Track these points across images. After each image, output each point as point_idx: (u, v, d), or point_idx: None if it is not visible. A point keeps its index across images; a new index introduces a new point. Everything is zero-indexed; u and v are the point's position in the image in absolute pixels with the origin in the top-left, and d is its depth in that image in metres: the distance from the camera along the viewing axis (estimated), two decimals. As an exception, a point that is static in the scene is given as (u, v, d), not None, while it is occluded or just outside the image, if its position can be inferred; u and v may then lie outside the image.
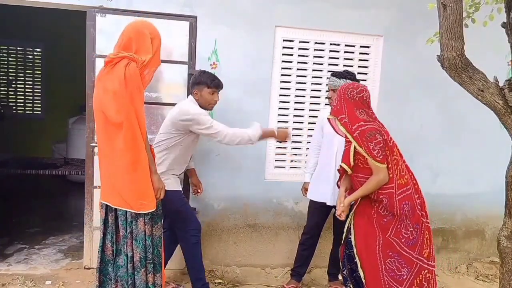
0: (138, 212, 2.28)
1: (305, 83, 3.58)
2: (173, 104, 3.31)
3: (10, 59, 7.07)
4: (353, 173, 2.43)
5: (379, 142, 2.30)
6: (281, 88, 3.55)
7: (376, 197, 2.37)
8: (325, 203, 3.09)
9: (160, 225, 2.46)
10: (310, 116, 3.62)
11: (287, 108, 3.59)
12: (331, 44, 3.57)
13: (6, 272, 3.27)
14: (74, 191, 5.46)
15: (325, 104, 3.54)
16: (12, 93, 7.14)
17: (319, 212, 3.17)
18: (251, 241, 3.61)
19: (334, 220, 3.24)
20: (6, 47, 7.03)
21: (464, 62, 2.02)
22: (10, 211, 4.69)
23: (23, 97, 7.19)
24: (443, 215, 3.80)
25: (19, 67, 7.10)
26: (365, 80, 3.63)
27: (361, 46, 3.63)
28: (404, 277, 2.34)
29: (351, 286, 2.58)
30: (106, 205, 2.36)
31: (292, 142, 3.64)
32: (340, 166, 2.46)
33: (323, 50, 3.58)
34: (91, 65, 3.20)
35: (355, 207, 2.49)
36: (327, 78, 3.16)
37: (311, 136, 3.39)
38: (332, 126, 2.55)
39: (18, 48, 7.04)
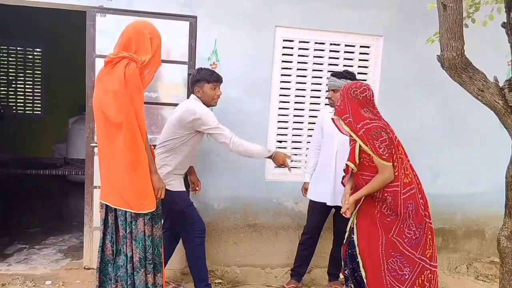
0: (138, 212, 2.28)
1: (305, 83, 3.58)
2: (173, 104, 3.32)
3: (10, 59, 7.07)
4: (358, 172, 2.42)
5: (384, 140, 2.30)
6: (281, 88, 3.55)
7: (380, 196, 2.36)
8: (325, 203, 3.09)
9: (160, 225, 2.46)
10: (310, 116, 3.62)
11: (287, 108, 3.59)
12: (331, 44, 3.57)
13: (6, 272, 3.27)
14: (74, 191, 5.46)
15: (325, 104, 3.54)
16: (12, 93, 7.14)
17: (319, 212, 3.17)
18: (251, 241, 3.61)
19: (334, 220, 3.26)
20: (6, 47, 7.03)
21: (464, 62, 2.02)
22: (10, 211, 4.69)
23: (23, 97, 7.19)
24: (443, 215, 3.80)
25: (19, 67, 7.10)
26: (365, 80, 3.62)
27: (361, 46, 3.63)
28: (406, 277, 2.34)
29: (352, 285, 2.58)
30: (106, 205, 2.36)
31: (292, 142, 3.65)
32: (346, 164, 2.45)
33: (323, 50, 3.58)
34: (91, 65, 3.20)
35: (358, 206, 2.49)
36: (327, 78, 3.16)
37: (311, 136, 3.38)
38: (337, 126, 2.54)
39: (18, 48, 7.04)
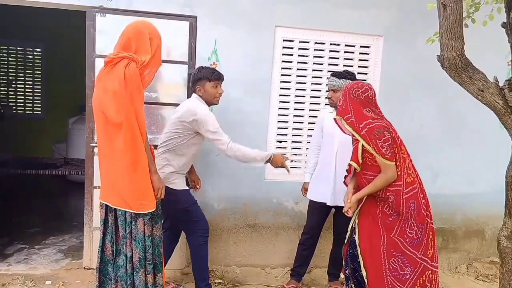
0: (138, 212, 2.28)
1: (305, 83, 3.58)
2: (173, 104, 3.32)
3: (10, 59, 7.08)
4: (361, 171, 2.42)
5: (387, 139, 2.30)
6: (281, 88, 3.55)
7: (383, 195, 2.36)
8: (325, 203, 3.09)
9: (160, 225, 2.46)
10: (310, 116, 3.62)
11: (287, 108, 3.59)
12: (331, 44, 3.57)
13: (6, 272, 3.26)
14: (74, 191, 5.46)
15: (325, 104, 3.54)
16: (12, 93, 7.14)
17: (319, 212, 3.17)
18: (251, 241, 3.61)
19: (334, 220, 3.26)
20: (6, 47, 7.03)
21: (464, 62, 2.02)
22: (10, 211, 4.69)
23: (23, 97, 7.19)
24: (443, 215, 3.80)
25: (19, 67, 7.10)
26: (365, 80, 3.62)
27: (361, 46, 3.63)
28: (407, 277, 2.34)
29: (353, 285, 2.58)
30: (106, 205, 2.36)
31: (292, 142, 3.65)
32: (349, 164, 2.45)
33: (323, 50, 3.58)
34: (90, 65, 3.19)
35: (359, 206, 2.48)
36: (327, 78, 3.16)
37: (311, 136, 3.38)
38: (339, 126, 2.54)
39: (18, 48, 7.04)
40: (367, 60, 3.66)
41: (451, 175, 3.79)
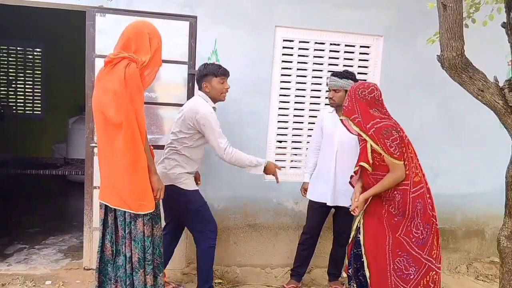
0: (137, 212, 2.28)
1: (305, 83, 3.58)
2: (173, 104, 3.33)
3: (10, 59, 7.08)
4: (368, 171, 2.41)
5: (395, 138, 2.29)
6: (281, 88, 3.55)
7: (389, 194, 2.36)
8: (325, 203, 3.09)
9: (160, 225, 2.45)
10: (310, 116, 3.62)
11: (287, 108, 3.59)
12: (331, 44, 3.57)
13: (6, 272, 3.27)
14: (74, 191, 5.46)
15: (325, 104, 3.54)
16: (12, 93, 7.14)
17: (319, 212, 3.17)
18: (251, 241, 3.61)
19: (334, 220, 3.26)
20: (6, 47, 7.03)
21: (464, 62, 2.02)
22: (10, 211, 4.69)
23: (23, 97, 7.19)
24: (443, 215, 3.78)
25: (19, 67, 7.10)
26: (365, 80, 3.62)
27: (361, 46, 3.63)
28: (411, 277, 2.34)
29: (355, 285, 2.58)
30: (105, 205, 2.36)
31: (292, 142, 3.65)
32: (360, 165, 2.42)
33: (323, 50, 3.58)
34: (90, 65, 3.19)
35: (365, 206, 2.48)
36: (327, 78, 3.15)
37: (311, 136, 3.38)
38: (345, 127, 2.54)
39: (18, 48, 7.04)
40: (367, 60, 3.66)
41: (451, 175, 3.79)
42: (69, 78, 6.21)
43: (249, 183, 3.51)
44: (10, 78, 7.08)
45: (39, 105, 7.23)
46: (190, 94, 3.32)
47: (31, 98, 7.20)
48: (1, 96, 7.11)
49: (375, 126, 2.32)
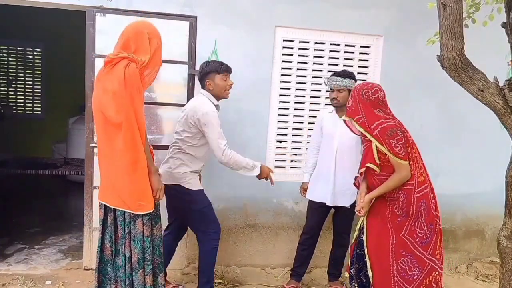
0: (137, 213, 2.27)
1: (305, 83, 3.58)
2: (173, 104, 3.33)
3: (10, 59, 7.08)
4: (374, 172, 2.40)
5: (400, 139, 2.29)
6: (281, 88, 3.55)
7: (394, 194, 2.36)
8: (325, 203, 3.09)
9: (160, 225, 2.45)
10: (310, 116, 3.62)
11: (287, 108, 3.59)
12: (331, 44, 3.57)
13: (6, 272, 3.27)
14: (74, 191, 5.46)
15: (325, 104, 3.54)
16: (12, 93, 7.15)
17: (319, 212, 3.17)
18: (251, 241, 3.61)
19: (334, 220, 3.26)
20: (6, 47, 7.04)
21: (464, 62, 2.02)
22: (10, 211, 4.69)
23: (23, 97, 7.20)
24: (443, 215, 3.70)
25: (19, 67, 7.10)
26: (365, 80, 3.62)
27: (361, 46, 3.63)
28: (415, 277, 2.34)
29: (356, 285, 2.58)
30: (105, 205, 2.36)
31: (292, 142, 3.65)
32: (366, 166, 2.40)
33: (323, 50, 3.57)
34: (90, 65, 3.19)
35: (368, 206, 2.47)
36: (327, 78, 3.13)
37: (311, 136, 3.38)
38: (349, 127, 2.53)
39: (18, 48, 7.05)
40: (367, 60, 3.66)
41: (451, 175, 3.78)
42: (69, 78, 6.21)
43: (249, 183, 3.49)
44: (10, 78, 7.09)
45: (39, 105, 7.23)
46: (190, 94, 3.32)
47: (31, 98, 7.21)
48: (1, 96, 7.11)
49: (380, 127, 2.32)
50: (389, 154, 2.29)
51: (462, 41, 1.99)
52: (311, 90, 3.60)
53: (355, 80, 3.04)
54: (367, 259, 2.41)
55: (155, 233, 2.39)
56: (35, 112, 7.25)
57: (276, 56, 3.49)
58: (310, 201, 3.22)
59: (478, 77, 2.04)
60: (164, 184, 2.47)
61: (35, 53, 7.16)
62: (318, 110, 3.57)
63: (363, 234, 2.48)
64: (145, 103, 2.45)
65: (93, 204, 3.30)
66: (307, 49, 3.55)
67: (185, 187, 2.70)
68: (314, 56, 3.56)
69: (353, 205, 3.09)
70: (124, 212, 2.29)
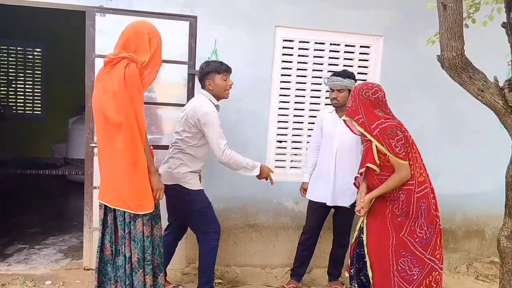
0: (136, 213, 2.27)
1: (305, 83, 3.58)
2: (173, 104, 3.33)
3: (10, 59, 7.08)
4: (374, 172, 2.40)
5: (400, 138, 2.29)
6: (281, 88, 3.55)
7: (394, 194, 2.36)
8: (325, 203, 3.09)
9: (160, 225, 2.45)
10: (310, 116, 3.62)
11: (287, 108, 3.59)
12: (331, 44, 3.57)
13: (6, 272, 3.27)
14: (74, 191, 5.46)
15: (325, 104, 3.54)
16: (12, 93, 7.15)
17: (319, 212, 3.17)
18: (251, 241, 3.61)
19: (334, 220, 3.26)
20: (6, 47, 7.03)
21: (464, 62, 2.02)
22: (10, 211, 4.69)
23: (23, 97, 7.20)
24: (443, 215, 3.70)
25: (19, 67, 7.10)
26: (365, 80, 3.62)
27: (361, 46, 3.63)
28: (415, 277, 2.34)
29: (356, 285, 2.58)
30: (105, 205, 2.36)
31: (292, 142, 3.65)
32: (366, 166, 2.40)
33: (323, 50, 3.57)
34: (90, 65, 3.19)
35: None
36: (327, 78, 3.13)
37: (311, 136, 3.38)
38: (349, 127, 2.53)
39: (18, 48, 7.04)
40: (367, 60, 3.66)
41: (451, 175, 3.78)
42: (69, 78, 6.21)
43: (249, 183, 3.49)
44: (10, 78, 7.09)
45: (39, 105, 7.23)
46: (190, 94, 3.32)
47: (31, 98, 7.21)
48: (1, 96, 7.11)
49: (380, 127, 2.32)
50: (389, 154, 2.29)
51: (462, 41, 1.99)
52: (311, 90, 3.60)
53: (355, 80, 3.03)
54: (367, 259, 2.41)
55: (155, 233, 2.39)
56: (35, 112, 7.25)
57: (276, 56, 3.49)
58: (310, 201, 3.22)
59: (478, 77, 2.04)
60: (164, 184, 2.47)
61: (35, 53, 7.16)
62: (318, 110, 3.57)
63: (363, 234, 2.48)
64: (145, 103, 2.45)
65: (93, 204, 3.30)
66: (307, 49, 3.55)
67: (185, 187, 2.70)
68: (314, 56, 3.56)
69: (353, 205, 3.09)
70: (124, 212, 2.29)
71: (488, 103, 2.05)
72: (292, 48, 3.52)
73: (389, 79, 3.61)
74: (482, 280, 3.74)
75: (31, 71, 7.13)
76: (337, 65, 3.58)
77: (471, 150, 3.79)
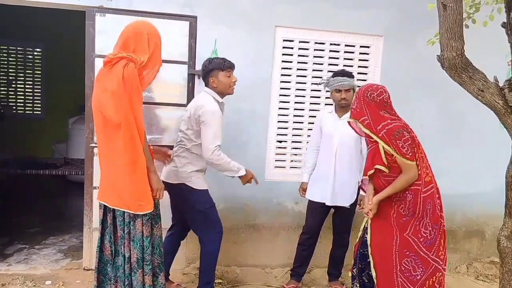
0: (136, 213, 2.27)
1: (305, 83, 3.58)
2: (173, 104, 3.33)
3: (10, 59, 7.07)
4: (380, 173, 2.39)
5: (407, 139, 2.29)
6: (281, 88, 3.55)
7: (401, 195, 2.35)
8: (324, 203, 3.09)
9: (160, 225, 2.45)
10: (310, 116, 3.62)
11: (287, 108, 3.59)
12: (331, 44, 3.57)
13: (6, 272, 3.27)
14: (74, 191, 5.45)
15: (325, 104, 3.54)
16: (12, 93, 7.14)
17: (318, 212, 3.17)
18: (251, 241, 3.61)
19: (334, 220, 3.25)
20: (6, 47, 7.03)
21: (464, 62, 2.02)
22: (10, 211, 4.69)
23: (23, 97, 7.19)
24: None
25: (19, 67, 7.10)
26: (365, 80, 3.62)
27: (361, 46, 3.63)
28: (418, 278, 2.34)
29: (358, 285, 2.58)
30: (104, 205, 2.36)
31: (292, 142, 3.65)
32: (375, 168, 2.39)
33: (323, 50, 3.57)
34: (90, 65, 3.19)
35: None
36: (326, 80, 3.12)
37: (311, 136, 3.38)
38: (353, 129, 2.53)
39: (18, 48, 7.04)
40: (367, 60, 3.66)
41: (451, 175, 3.77)
42: (69, 78, 6.20)
43: (249, 183, 3.51)
44: (10, 78, 7.08)
45: (39, 105, 7.23)
46: (190, 94, 3.32)
47: (31, 98, 7.20)
48: (1, 96, 7.11)
49: (386, 128, 2.32)
50: (396, 155, 2.29)
51: (462, 41, 1.99)
52: (311, 90, 3.60)
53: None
54: (370, 259, 2.41)
55: (155, 233, 2.39)
56: (35, 112, 7.24)
57: (276, 56, 3.49)
58: (309, 201, 3.21)
59: (478, 77, 2.04)
60: (169, 183, 2.46)
61: (35, 53, 7.15)
62: (318, 110, 3.56)
63: (367, 234, 2.47)
64: (145, 103, 2.45)
65: (93, 204, 3.29)
66: (307, 49, 3.55)
67: (190, 186, 2.70)
68: (314, 56, 3.56)
69: (353, 205, 3.10)
70: (124, 212, 2.29)
71: (488, 103, 2.05)
72: (292, 48, 3.52)
73: (389, 79, 3.60)
74: (482, 280, 3.74)
75: (31, 71, 7.13)
76: (337, 65, 3.58)
77: (471, 150, 3.79)
